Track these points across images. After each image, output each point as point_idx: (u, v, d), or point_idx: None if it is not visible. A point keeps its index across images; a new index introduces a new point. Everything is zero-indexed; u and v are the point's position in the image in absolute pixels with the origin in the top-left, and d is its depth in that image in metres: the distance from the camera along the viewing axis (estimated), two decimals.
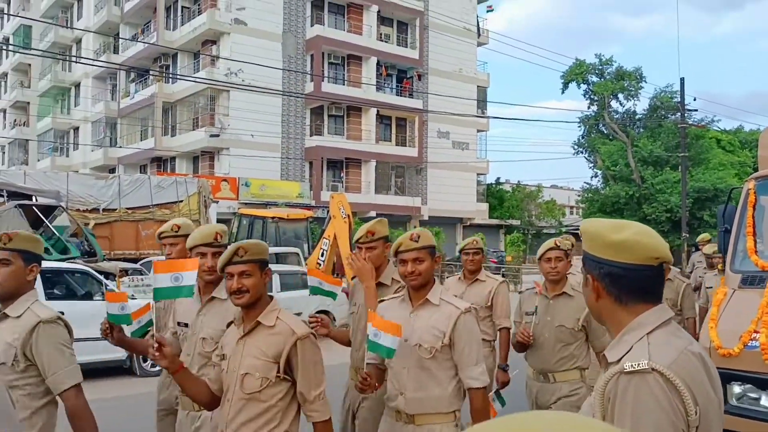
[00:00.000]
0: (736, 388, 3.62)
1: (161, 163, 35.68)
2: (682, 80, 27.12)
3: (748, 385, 3.58)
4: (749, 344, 3.57)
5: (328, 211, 16.36)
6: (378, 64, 34.84)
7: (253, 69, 26.90)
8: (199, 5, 33.29)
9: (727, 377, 3.63)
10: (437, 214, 36.53)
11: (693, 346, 1.49)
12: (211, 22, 30.81)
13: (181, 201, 18.70)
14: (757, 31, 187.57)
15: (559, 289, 3.97)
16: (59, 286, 9.11)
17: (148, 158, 35.76)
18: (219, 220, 26.86)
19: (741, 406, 3.58)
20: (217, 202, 24.23)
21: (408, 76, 36.70)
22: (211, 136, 30.87)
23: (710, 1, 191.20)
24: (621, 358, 1.47)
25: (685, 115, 27.91)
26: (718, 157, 32.83)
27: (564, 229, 43.94)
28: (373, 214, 33.30)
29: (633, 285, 1.53)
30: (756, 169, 4.88)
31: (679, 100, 27.83)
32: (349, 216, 15.10)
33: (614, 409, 1.42)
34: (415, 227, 35.94)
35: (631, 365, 1.41)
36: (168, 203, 18.55)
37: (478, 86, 39.64)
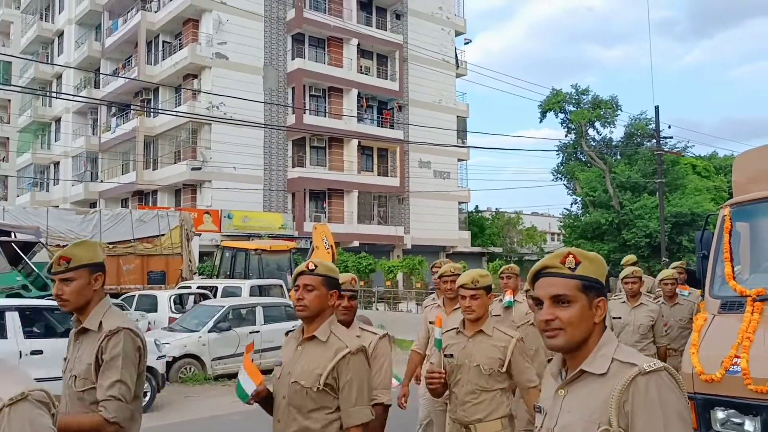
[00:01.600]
0: (720, 414, 3.66)
1: (143, 196, 35.47)
2: (656, 108, 27.63)
3: (732, 411, 3.62)
4: (731, 369, 3.62)
5: (311, 242, 16.36)
6: (359, 95, 35.20)
7: (235, 102, 27.06)
8: (180, 40, 33.51)
9: (711, 403, 3.68)
10: (420, 242, 36.62)
11: None
12: (192, 57, 31.00)
13: (163, 234, 18.57)
14: (727, 59, 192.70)
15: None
16: (38, 323, 8.76)
17: (130, 192, 35.55)
18: (202, 253, 26.74)
19: None
20: (199, 234, 24.10)
21: (388, 107, 37.10)
22: (193, 169, 30.82)
23: (681, 30, 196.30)
24: (609, 368, 1.66)
25: (661, 142, 28.43)
26: (694, 182, 33.40)
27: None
28: (356, 244, 33.33)
29: None
30: (731, 195, 4.99)
31: (654, 127, 28.39)
32: (332, 246, 15.15)
33: (637, 406, 1.59)
34: (398, 257, 35.95)
35: (649, 365, 1.62)
36: (150, 237, 18.42)
37: (457, 116, 40.15)
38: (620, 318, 5.69)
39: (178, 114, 28.98)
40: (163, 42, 34.52)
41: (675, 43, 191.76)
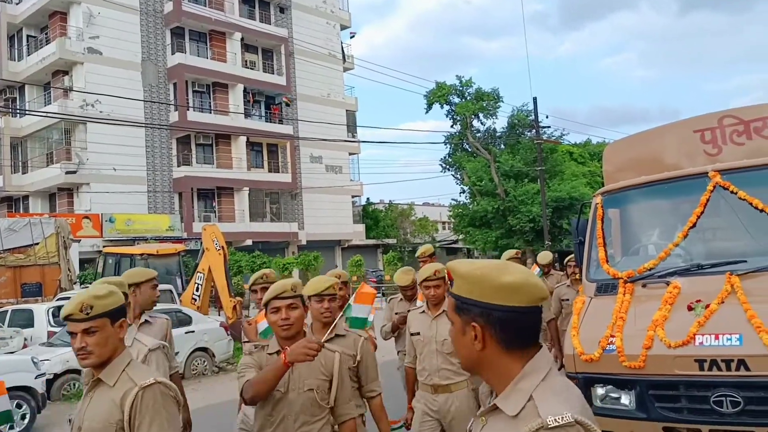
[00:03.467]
0: (599, 390, 3.89)
1: (12, 203, 32.90)
2: (534, 99, 29.13)
3: (610, 386, 3.85)
4: (607, 348, 3.85)
5: (201, 244, 15.83)
6: (245, 91, 34.41)
7: (112, 100, 25.63)
8: (47, 34, 31.25)
9: (591, 381, 3.89)
10: (315, 238, 36.45)
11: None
12: (61, 52, 28.98)
13: (37, 243, 17.28)
14: (595, 50, 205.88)
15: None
16: None
17: None
18: (82, 261, 25.19)
19: (605, 407, 3.84)
20: (78, 241, 22.64)
21: (276, 102, 36.54)
22: (68, 172, 28.89)
23: (553, 23, 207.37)
24: (522, 409, 1.38)
25: (540, 131, 29.92)
26: (571, 168, 35.43)
27: (437, 245, 45.39)
28: (249, 242, 32.65)
29: (523, 329, 1.45)
30: (603, 182, 5.30)
31: (533, 118, 29.82)
32: (223, 247, 14.71)
33: None
34: (293, 253, 35.60)
35: (555, 419, 1.30)
36: (22, 247, 17.09)
37: (347, 110, 40.23)
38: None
39: (48, 114, 27.02)
40: (28, 36, 32.05)
41: (548, 34, 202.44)
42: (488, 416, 1.46)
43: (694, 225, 4.23)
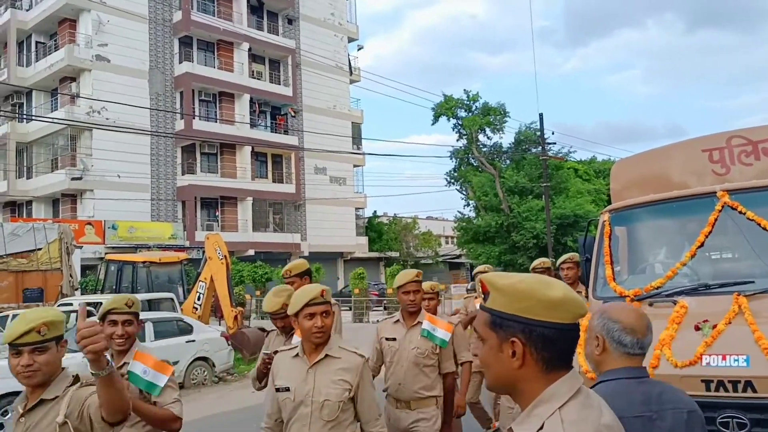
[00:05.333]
0: None
1: (15, 207, 32.98)
2: (540, 116, 29.10)
3: None
4: None
5: (203, 253, 15.82)
6: (251, 101, 34.56)
7: (118, 107, 25.73)
8: (55, 41, 31.48)
9: None
10: (317, 249, 36.42)
11: (605, 417, 1.39)
12: (69, 59, 29.17)
13: (40, 249, 17.31)
14: (601, 67, 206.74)
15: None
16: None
17: (1, 203, 32.94)
18: (84, 267, 25.20)
19: None
20: (80, 247, 22.68)
21: (282, 113, 36.68)
22: (73, 178, 28.98)
23: (559, 39, 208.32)
24: None
25: (545, 148, 29.96)
26: (577, 185, 35.43)
27: (440, 259, 45.26)
28: (251, 252, 32.64)
29: (564, 348, 1.39)
30: (610, 198, 5.29)
31: (539, 134, 29.86)
32: (226, 257, 14.71)
33: None
34: None
35: None
36: (25, 252, 17.12)
37: (352, 122, 40.35)
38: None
39: (54, 120, 27.15)
40: (37, 42, 32.29)
41: (554, 50, 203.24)
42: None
43: (702, 244, 4.20)
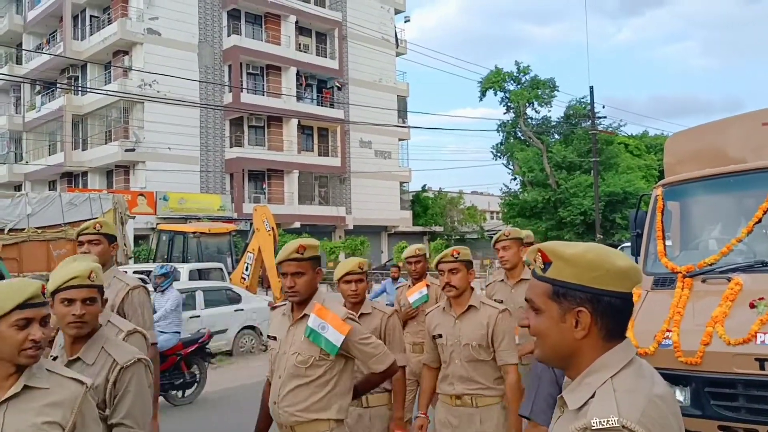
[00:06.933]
0: None
1: (72, 178, 34.09)
2: (591, 89, 28.42)
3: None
4: (663, 343, 3.77)
5: (251, 224, 16.10)
6: (297, 74, 34.67)
7: (169, 80, 26.21)
8: (109, 15, 32.10)
9: None
10: (362, 223, 36.63)
11: (657, 387, 1.37)
12: (122, 32, 29.76)
13: (96, 218, 17.88)
14: (655, 38, 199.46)
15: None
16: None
17: (58, 174, 34.10)
18: (137, 236, 25.93)
19: None
20: (134, 218, 23.30)
21: (328, 86, 36.71)
22: (126, 150, 29.77)
23: (611, 8, 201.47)
24: (583, 405, 1.34)
25: (595, 122, 29.26)
26: (627, 161, 34.56)
27: (486, 234, 45.03)
28: (297, 225, 33.07)
29: (625, 317, 1.41)
30: (662, 173, 5.17)
31: (590, 108, 29.16)
32: (273, 228, 14.93)
33: None
34: (340, 237, 35.85)
35: (600, 422, 1.26)
36: (82, 221, 17.64)
37: (398, 96, 40.12)
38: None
39: (109, 93, 27.83)
40: (91, 16, 32.99)
41: (606, 20, 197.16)
42: (562, 408, 1.43)
43: (760, 221, 4.09)
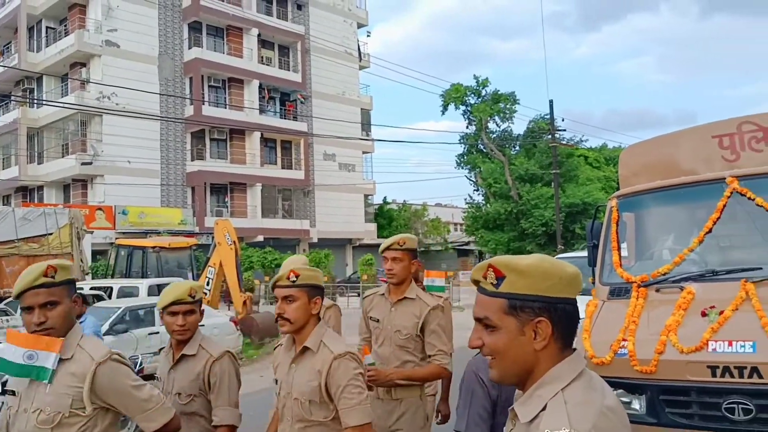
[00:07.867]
0: None
1: (27, 193, 33.23)
2: (551, 102, 28.92)
3: (620, 390, 3.81)
4: (619, 352, 3.81)
5: (213, 238, 15.89)
6: (260, 87, 34.52)
7: (128, 93, 25.79)
8: (65, 26, 31.51)
9: None
10: (326, 236, 36.49)
11: (608, 399, 1.37)
12: (79, 44, 29.22)
13: (51, 233, 17.41)
14: (614, 53, 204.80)
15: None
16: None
17: (12, 188, 33.18)
18: (95, 252, 25.37)
19: None
20: (91, 232, 22.81)
21: (291, 99, 36.63)
22: (83, 163, 29.13)
23: (571, 24, 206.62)
24: (534, 418, 1.33)
25: (556, 135, 29.79)
26: (586, 173, 35.28)
27: (449, 246, 45.25)
28: (260, 238, 32.77)
29: (576, 323, 1.41)
30: (619, 185, 5.26)
31: (549, 121, 29.67)
32: (235, 242, 14.76)
33: None
34: (304, 251, 35.66)
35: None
36: (36, 236, 17.21)
37: (361, 109, 40.24)
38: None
39: (65, 105, 27.24)
40: (47, 28, 32.34)
41: (566, 35, 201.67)
42: (513, 420, 1.41)
43: (710, 231, 4.18)
